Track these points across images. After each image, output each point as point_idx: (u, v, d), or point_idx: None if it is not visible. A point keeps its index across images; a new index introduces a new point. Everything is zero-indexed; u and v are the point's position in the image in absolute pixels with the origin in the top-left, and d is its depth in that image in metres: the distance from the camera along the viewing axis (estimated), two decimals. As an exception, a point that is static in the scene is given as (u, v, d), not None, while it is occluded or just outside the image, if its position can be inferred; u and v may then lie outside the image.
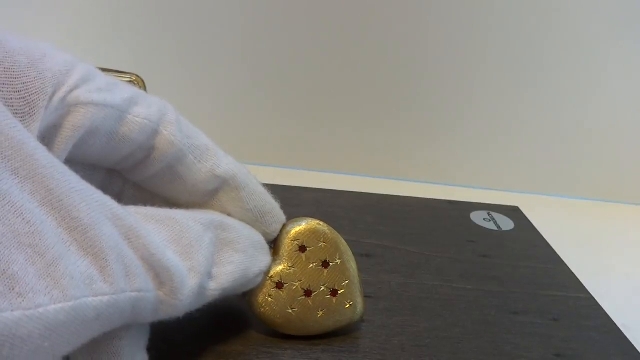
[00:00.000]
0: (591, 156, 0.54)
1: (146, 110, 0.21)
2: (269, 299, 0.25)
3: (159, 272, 0.19)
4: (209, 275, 0.21)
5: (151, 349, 0.21)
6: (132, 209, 0.20)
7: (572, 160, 0.54)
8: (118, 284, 0.17)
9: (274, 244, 0.26)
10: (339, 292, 0.25)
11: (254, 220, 0.24)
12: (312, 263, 0.25)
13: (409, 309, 0.29)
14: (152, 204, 0.24)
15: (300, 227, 0.25)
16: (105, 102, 0.20)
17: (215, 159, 0.23)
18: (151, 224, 0.20)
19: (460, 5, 0.49)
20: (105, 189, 0.23)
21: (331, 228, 0.26)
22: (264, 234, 0.25)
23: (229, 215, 0.24)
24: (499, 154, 0.54)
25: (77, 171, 0.19)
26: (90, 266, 0.16)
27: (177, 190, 0.23)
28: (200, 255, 0.21)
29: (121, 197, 0.24)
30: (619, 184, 0.55)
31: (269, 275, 0.25)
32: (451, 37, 0.50)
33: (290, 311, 0.25)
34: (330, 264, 0.25)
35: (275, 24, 0.49)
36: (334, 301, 0.25)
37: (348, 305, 0.25)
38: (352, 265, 0.26)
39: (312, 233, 0.25)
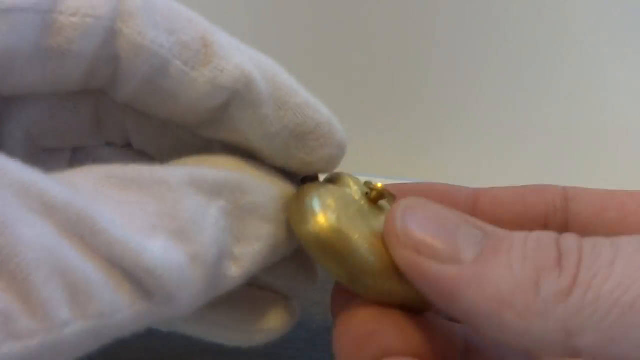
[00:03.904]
0: (591, 156, 0.54)
1: (84, 1, 0.14)
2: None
3: (139, 278, 0.13)
4: (230, 257, 0.15)
5: (150, 348, 0.21)
6: (101, 170, 0.14)
7: (572, 160, 0.54)
8: (55, 315, 0.11)
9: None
10: None
11: (286, 147, 0.17)
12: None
13: (409, 309, 0.28)
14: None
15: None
16: (6, 6, 0.13)
17: (216, 59, 0.15)
18: (131, 192, 0.13)
19: (461, 8, 0.49)
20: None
21: None
22: (305, 164, 0.17)
23: (249, 140, 0.17)
24: (498, 154, 0.54)
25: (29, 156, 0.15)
26: (3, 297, 0.11)
27: (173, 112, 0.16)
28: (206, 235, 0.14)
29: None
30: (618, 184, 0.55)
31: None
32: (452, 38, 0.50)
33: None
34: None
35: (274, 23, 0.49)
36: None
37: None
38: None
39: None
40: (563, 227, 0.21)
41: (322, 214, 0.16)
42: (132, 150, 0.18)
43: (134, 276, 0.13)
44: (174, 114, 0.16)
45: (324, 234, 0.15)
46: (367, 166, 0.55)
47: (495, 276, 0.15)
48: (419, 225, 0.15)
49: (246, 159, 0.17)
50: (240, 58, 0.16)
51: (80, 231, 0.12)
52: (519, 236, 0.15)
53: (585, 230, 0.20)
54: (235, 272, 0.15)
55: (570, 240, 0.15)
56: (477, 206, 0.21)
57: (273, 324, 0.19)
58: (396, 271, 0.16)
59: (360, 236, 0.16)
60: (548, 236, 0.15)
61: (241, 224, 0.16)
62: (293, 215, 0.16)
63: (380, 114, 0.53)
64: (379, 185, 0.17)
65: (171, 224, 0.14)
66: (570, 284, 0.14)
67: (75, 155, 0.18)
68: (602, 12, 0.49)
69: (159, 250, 0.13)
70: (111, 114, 0.17)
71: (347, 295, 0.17)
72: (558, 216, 0.21)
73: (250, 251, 0.16)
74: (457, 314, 0.15)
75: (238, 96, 0.16)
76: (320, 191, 0.16)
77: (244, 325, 0.19)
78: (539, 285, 0.14)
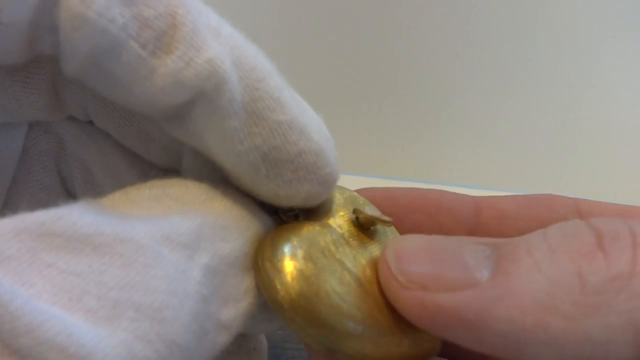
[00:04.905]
0: (591, 156, 0.54)
1: None
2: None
3: None
4: (216, 327, 0.12)
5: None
6: (39, 223, 0.10)
7: (572, 160, 0.54)
8: None
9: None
10: None
11: (255, 171, 0.13)
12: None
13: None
14: (106, 158, 0.15)
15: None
16: None
17: (184, 46, 0.11)
18: (83, 256, 0.10)
19: (455, 7, 0.49)
20: (32, 149, 0.16)
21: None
22: (276, 196, 0.13)
23: (211, 153, 0.13)
24: (498, 153, 0.54)
25: None
26: None
27: (126, 102, 0.13)
28: (187, 310, 0.11)
29: (61, 157, 0.16)
30: (619, 184, 0.55)
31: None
32: (447, 38, 0.50)
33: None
34: None
35: (271, 24, 0.49)
36: None
37: None
38: None
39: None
40: None
41: (293, 274, 0.12)
42: (96, 127, 0.16)
43: None
44: (126, 104, 0.13)
45: (298, 301, 0.12)
46: (360, 166, 0.55)
47: (524, 283, 0.12)
48: (418, 260, 0.13)
49: (215, 183, 0.13)
50: (217, 50, 0.12)
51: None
52: (534, 235, 0.13)
53: None
54: (223, 341, 0.12)
55: (603, 221, 0.12)
56: (480, 220, 0.18)
57: None
58: (393, 328, 0.13)
59: (344, 295, 0.13)
60: (573, 223, 0.12)
61: (226, 281, 0.12)
62: (259, 272, 0.13)
63: (374, 113, 0.53)
64: (369, 213, 0.15)
65: (141, 298, 0.10)
66: (628, 266, 0.11)
67: (32, 130, 0.16)
68: (602, 13, 0.49)
69: (118, 347, 0.09)
70: (70, 89, 0.14)
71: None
72: None
73: (239, 313, 0.12)
74: (490, 342, 0.12)
75: (204, 98, 0.12)
76: (293, 241, 0.13)
77: None
78: (583, 275, 0.11)
